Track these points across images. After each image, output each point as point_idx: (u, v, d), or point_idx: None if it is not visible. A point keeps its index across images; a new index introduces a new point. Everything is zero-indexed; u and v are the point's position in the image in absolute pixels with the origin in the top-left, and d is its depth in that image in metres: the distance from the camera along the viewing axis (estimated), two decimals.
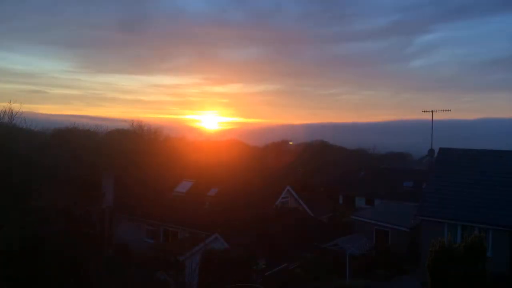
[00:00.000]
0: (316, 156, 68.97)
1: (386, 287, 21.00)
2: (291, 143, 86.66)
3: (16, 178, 22.81)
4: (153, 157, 43.32)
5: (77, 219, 15.74)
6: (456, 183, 21.47)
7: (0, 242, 13.92)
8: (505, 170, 21.12)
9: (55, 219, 16.24)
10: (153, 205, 30.89)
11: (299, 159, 62.17)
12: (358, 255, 22.96)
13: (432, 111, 37.93)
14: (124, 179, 31.78)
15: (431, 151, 38.77)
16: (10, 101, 42.00)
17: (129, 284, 15.35)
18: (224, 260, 15.94)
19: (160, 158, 43.83)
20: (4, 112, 30.39)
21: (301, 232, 25.04)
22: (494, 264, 15.61)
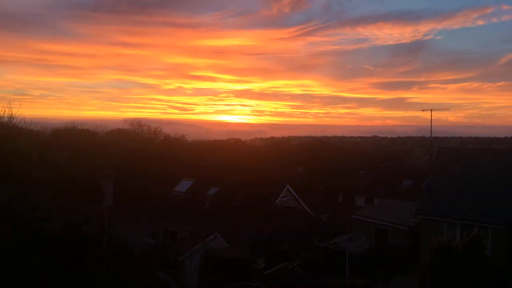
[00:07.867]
0: (316, 155, 69.04)
1: (386, 286, 21.03)
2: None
3: (16, 177, 22.82)
4: (153, 156, 43.39)
5: (76, 219, 15.72)
6: (455, 181, 21.48)
7: None
8: (504, 169, 21.15)
9: (55, 218, 16.25)
10: (153, 204, 30.89)
11: (299, 159, 62.24)
12: (358, 254, 22.98)
13: (432, 110, 38.07)
14: (124, 178, 31.77)
15: (430, 149, 38.86)
16: (10, 101, 41.97)
17: (129, 284, 15.34)
18: (224, 259, 15.96)
19: (160, 157, 43.90)
20: (4, 112, 30.42)
21: (300, 231, 25.07)
22: (494, 262, 15.64)
